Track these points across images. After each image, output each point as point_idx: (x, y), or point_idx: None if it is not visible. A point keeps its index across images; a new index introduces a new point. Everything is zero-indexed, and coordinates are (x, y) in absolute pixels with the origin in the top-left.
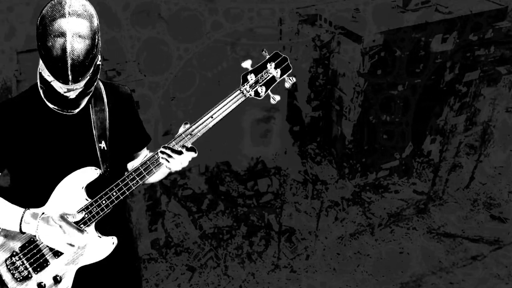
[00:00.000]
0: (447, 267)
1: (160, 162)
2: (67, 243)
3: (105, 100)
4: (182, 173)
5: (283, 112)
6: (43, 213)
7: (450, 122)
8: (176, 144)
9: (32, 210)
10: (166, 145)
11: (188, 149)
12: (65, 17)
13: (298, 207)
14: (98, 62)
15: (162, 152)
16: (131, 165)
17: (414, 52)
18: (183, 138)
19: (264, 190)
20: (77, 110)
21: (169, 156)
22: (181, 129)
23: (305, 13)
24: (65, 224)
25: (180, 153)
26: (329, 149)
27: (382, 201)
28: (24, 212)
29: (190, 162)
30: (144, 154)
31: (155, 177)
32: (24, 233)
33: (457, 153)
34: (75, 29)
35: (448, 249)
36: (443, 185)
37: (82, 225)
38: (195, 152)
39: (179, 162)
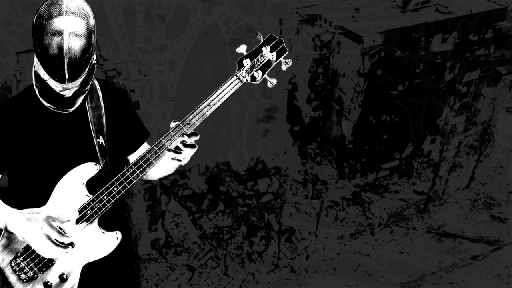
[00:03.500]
0: (447, 267)
1: (159, 154)
2: (48, 248)
3: (101, 96)
4: (182, 173)
5: (283, 112)
6: (28, 213)
7: (450, 122)
8: (176, 136)
9: (20, 211)
10: (167, 139)
11: (189, 136)
12: (62, 15)
13: (298, 207)
14: (94, 61)
15: (169, 150)
16: (132, 158)
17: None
18: (181, 129)
19: (264, 190)
20: (72, 109)
21: (178, 148)
22: (172, 125)
23: (305, 13)
24: (48, 227)
25: (193, 146)
26: (329, 149)
27: (382, 201)
28: (11, 212)
29: (190, 162)
30: (145, 148)
31: (158, 173)
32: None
33: (457, 153)
34: (72, 28)
35: (448, 249)
36: (443, 185)
37: (84, 222)
38: (195, 147)
39: (188, 154)
